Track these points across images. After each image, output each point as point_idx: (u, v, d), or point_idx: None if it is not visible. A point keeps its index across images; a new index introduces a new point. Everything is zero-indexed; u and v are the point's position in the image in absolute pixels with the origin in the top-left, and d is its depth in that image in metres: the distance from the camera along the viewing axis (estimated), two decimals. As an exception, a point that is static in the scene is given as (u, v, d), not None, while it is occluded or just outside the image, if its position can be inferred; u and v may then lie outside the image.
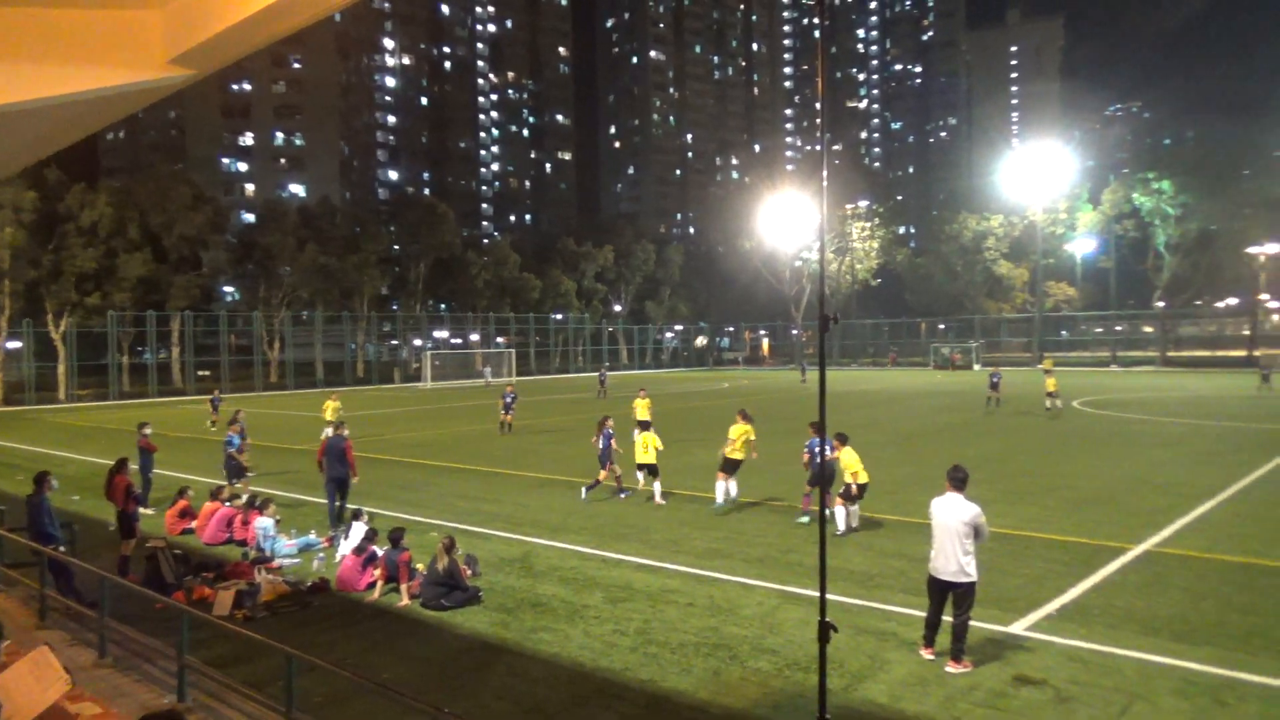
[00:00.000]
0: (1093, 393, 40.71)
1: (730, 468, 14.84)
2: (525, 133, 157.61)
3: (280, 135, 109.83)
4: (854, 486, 12.87)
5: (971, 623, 7.91)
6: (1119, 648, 8.15)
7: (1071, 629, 8.70)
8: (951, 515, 7.90)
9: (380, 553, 10.98)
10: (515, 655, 8.50)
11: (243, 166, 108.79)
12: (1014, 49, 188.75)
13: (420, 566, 10.63)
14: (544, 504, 16.08)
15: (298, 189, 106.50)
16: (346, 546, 11.79)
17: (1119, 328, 79.21)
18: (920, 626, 8.29)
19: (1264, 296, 72.73)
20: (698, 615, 9.41)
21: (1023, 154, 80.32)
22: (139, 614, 9.55)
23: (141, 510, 13.14)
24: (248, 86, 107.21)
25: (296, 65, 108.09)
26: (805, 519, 13.83)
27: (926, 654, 8.03)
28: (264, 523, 12.67)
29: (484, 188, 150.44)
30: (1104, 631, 8.59)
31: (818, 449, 12.88)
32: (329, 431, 15.30)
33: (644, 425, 17.52)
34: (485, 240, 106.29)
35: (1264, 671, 7.51)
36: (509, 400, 28.80)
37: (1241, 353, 67.54)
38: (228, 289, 74.86)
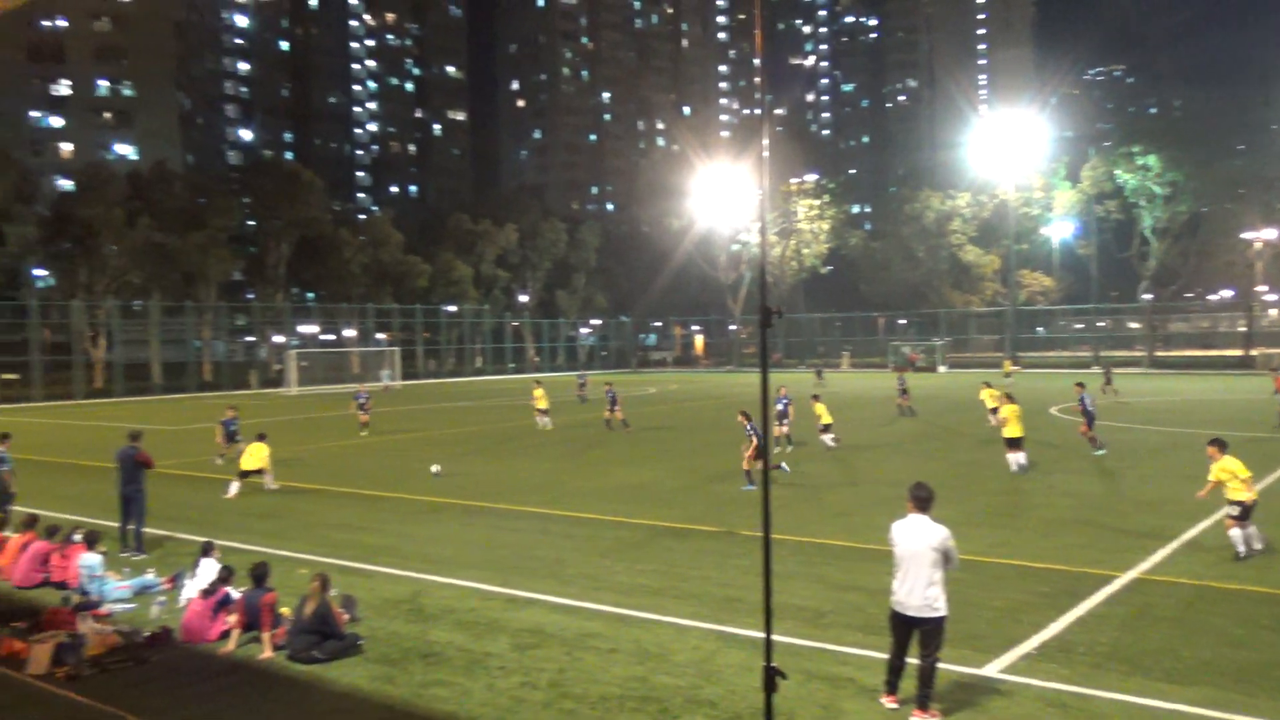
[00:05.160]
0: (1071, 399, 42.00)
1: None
2: (409, 87, 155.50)
3: (104, 83, 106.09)
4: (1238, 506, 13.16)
5: (940, 665, 8.12)
6: (1103, 690, 8.45)
7: (1051, 669, 9.00)
8: (917, 540, 8.09)
9: (236, 595, 10.71)
10: (403, 716, 8.39)
11: (56, 122, 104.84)
12: (980, 1, 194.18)
13: (286, 611, 10.42)
14: (435, 533, 15.93)
15: (126, 150, 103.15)
16: (193, 588, 11.52)
17: (1101, 324, 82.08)
18: (880, 670, 8.46)
19: (1261, 288, 75.99)
20: (622, 663, 9.43)
21: (992, 123, 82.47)
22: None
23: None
24: (62, 22, 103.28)
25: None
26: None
27: (889, 702, 8.22)
28: (89, 559, 12.25)
29: (359, 152, 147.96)
30: (1087, 672, 8.91)
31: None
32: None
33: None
34: (361, 216, 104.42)
35: (1260, 713, 7.89)
36: (362, 400, 33.50)
37: (1237, 352, 70.49)
38: (39, 271, 72.03)
